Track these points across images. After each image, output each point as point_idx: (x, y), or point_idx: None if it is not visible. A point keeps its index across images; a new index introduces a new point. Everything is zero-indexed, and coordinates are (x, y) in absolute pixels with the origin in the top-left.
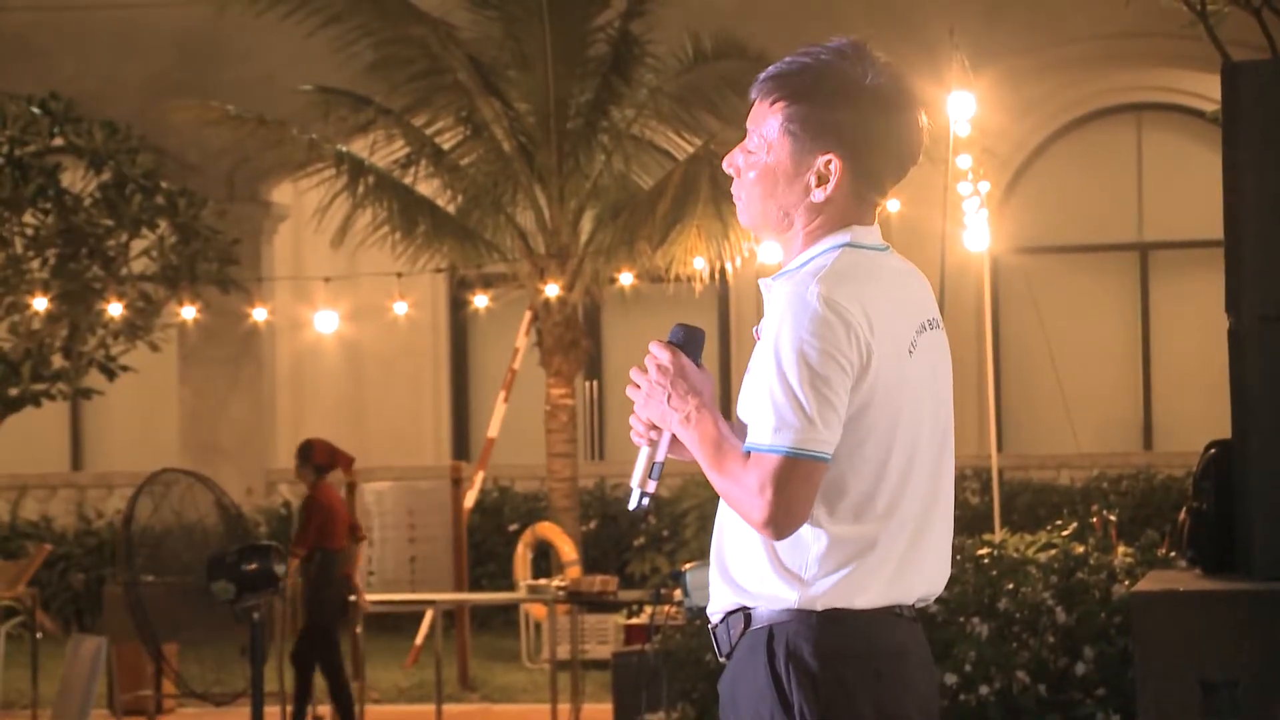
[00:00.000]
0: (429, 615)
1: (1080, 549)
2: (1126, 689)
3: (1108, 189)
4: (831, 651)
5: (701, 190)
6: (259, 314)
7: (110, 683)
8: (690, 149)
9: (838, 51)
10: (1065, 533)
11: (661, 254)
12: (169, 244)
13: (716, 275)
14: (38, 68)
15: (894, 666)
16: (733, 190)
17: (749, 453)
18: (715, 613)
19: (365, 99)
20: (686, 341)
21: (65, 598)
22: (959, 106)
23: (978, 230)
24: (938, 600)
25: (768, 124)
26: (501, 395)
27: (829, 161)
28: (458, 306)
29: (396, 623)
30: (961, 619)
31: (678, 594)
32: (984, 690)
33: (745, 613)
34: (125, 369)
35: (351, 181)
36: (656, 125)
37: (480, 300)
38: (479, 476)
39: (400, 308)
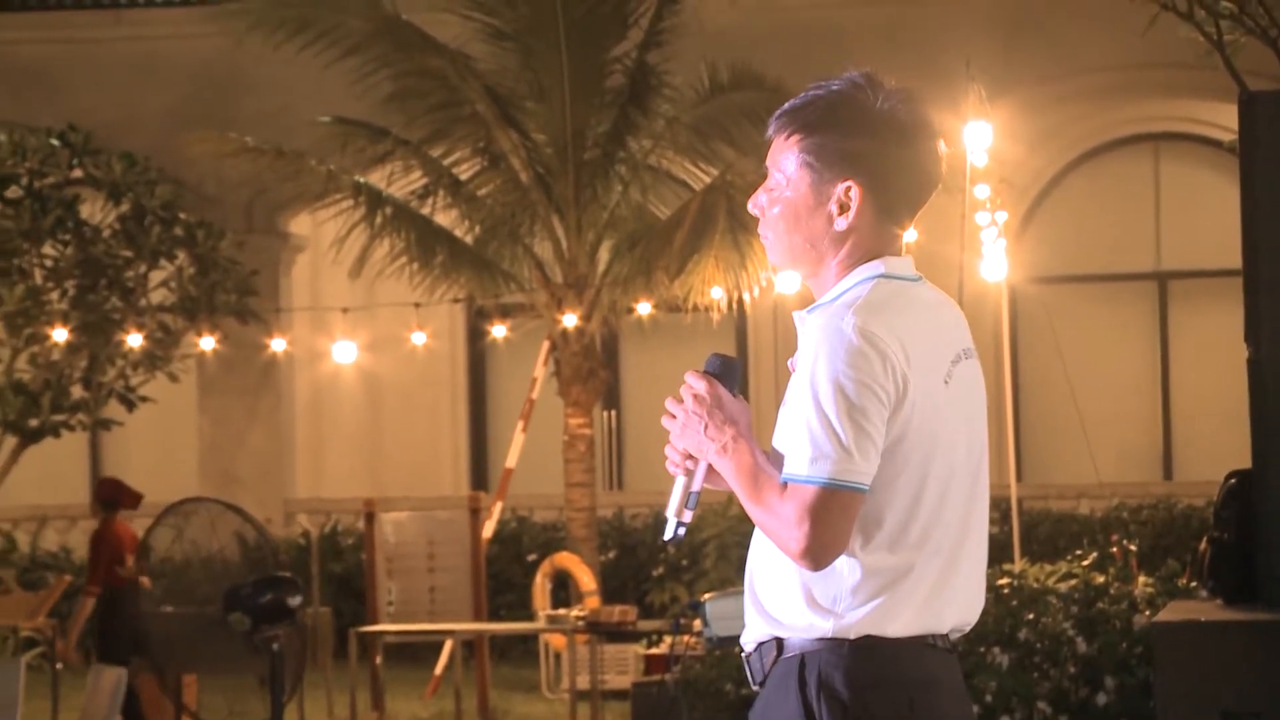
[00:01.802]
0: (448, 645)
1: (1101, 579)
2: (1148, 719)
3: (1126, 218)
4: (863, 681)
5: (719, 220)
6: (277, 345)
7: (128, 714)
8: (707, 179)
9: (851, 82)
10: (1085, 563)
11: (679, 284)
12: (188, 275)
13: (734, 305)
14: (57, 99)
15: (926, 696)
16: (760, 231)
17: (786, 483)
18: (749, 642)
19: (383, 130)
20: (723, 371)
21: (85, 629)
22: (976, 137)
23: (995, 260)
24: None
25: (786, 159)
26: (520, 425)
27: (848, 189)
28: (476, 336)
29: (416, 653)
30: (982, 649)
31: (697, 624)
32: None
33: (778, 641)
34: (144, 400)
35: (369, 212)
36: (673, 156)
37: (498, 330)
38: (497, 506)
39: (418, 338)
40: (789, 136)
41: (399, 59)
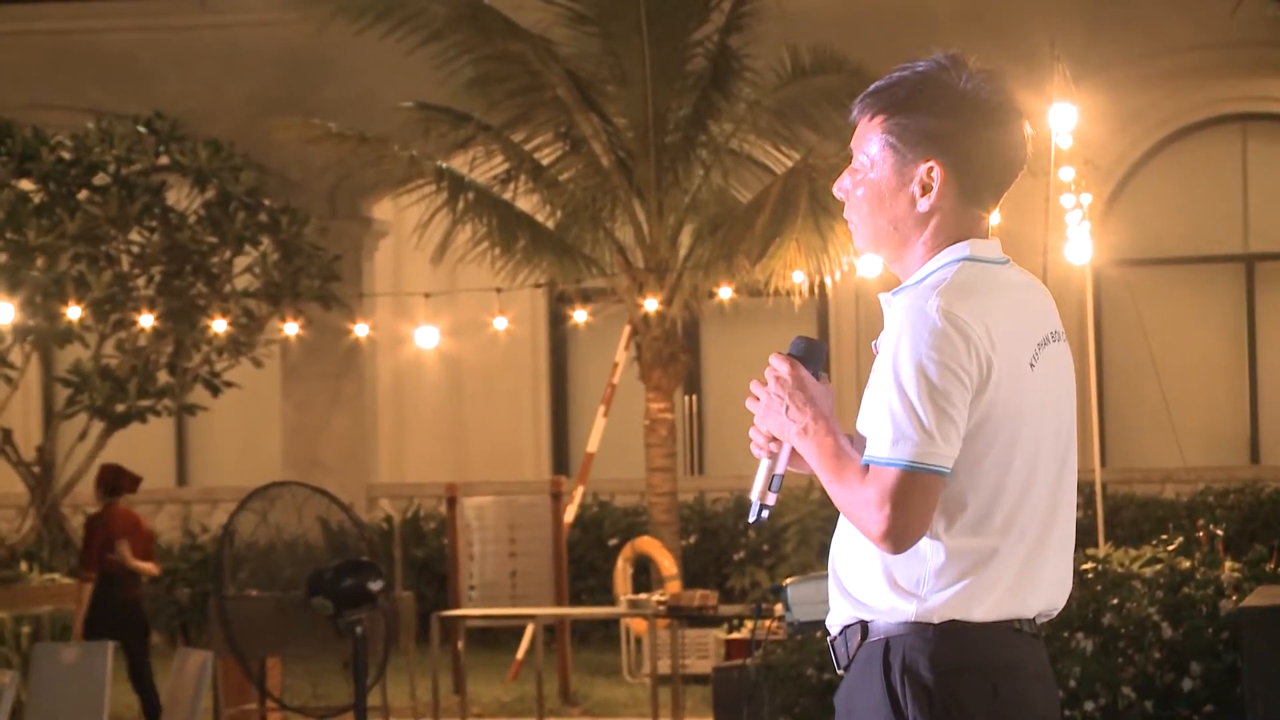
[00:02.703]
0: (530, 630)
1: (1186, 564)
2: (1235, 705)
3: (1212, 200)
4: (948, 665)
5: (800, 204)
6: (360, 330)
7: (215, 697)
8: (789, 163)
9: (936, 63)
10: (1171, 547)
11: (760, 268)
12: (272, 261)
13: (816, 289)
14: (143, 87)
15: (1011, 681)
16: (845, 215)
17: (868, 465)
18: (834, 625)
19: (465, 115)
20: (807, 354)
21: (171, 612)
22: (1060, 118)
23: (1080, 243)
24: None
25: (869, 140)
26: (601, 410)
27: (931, 169)
28: (557, 321)
29: (497, 637)
30: (1066, 634)
31: (779, 609)
32: (1089, 706)
33: (863, 625)
34: (229, 385)
35: (451, 198)
36: (755, 139)
37: (579, 315)
38: (579, 491)
39: (500, 323)
40: (872, 118)
41: (481, 44)
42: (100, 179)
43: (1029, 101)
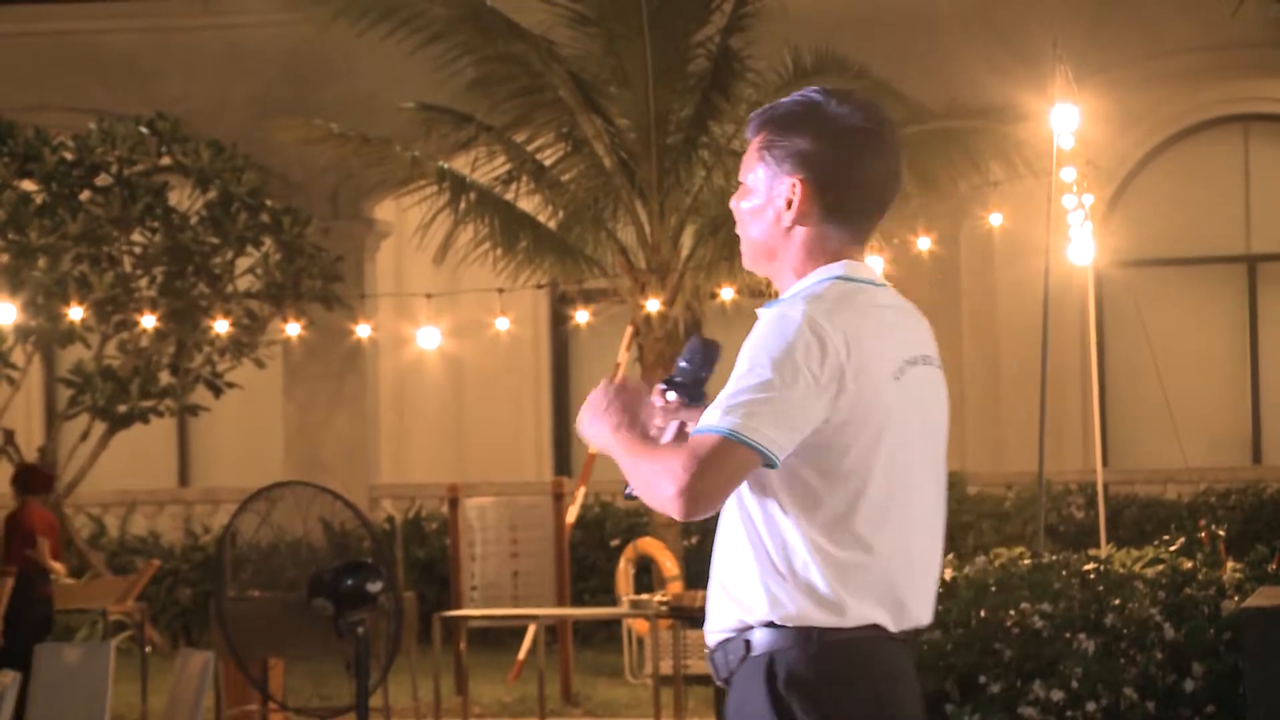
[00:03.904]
0: (531, 630)
1: (1188, 564)
2: (1237, 706)
3: (1214, 201)
4: (831, 676)
5: None
6: (362, 330)
7: (217, 697)
8: None
9: (819, 91)
10: (1173, 548)
11: None
12: (274, 261)
13: None
14: (145, 88)
15: (892, 690)
16: (737, 233)
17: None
18: (714, 634)
19: (467, 116)
20: (702, 355)
21: (173, 612)
22: (1062, 119)
23: (1082, 243)
24: (1043, 615)
25: (750, 159)
26: None
27: (794, 185)
28: (559, 322)
29: (499, 637)
30: (1067, 635)
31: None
32: (1091, 707)
33: (745, 639)
34: (231, 385)
35: (453, 198)
36: None
37: (581, 316)
38: (580, 492)
39: (502, 324)
40: (754, 137)
41: (482, 45)
42: (102, 180)
43: (1030, 102)
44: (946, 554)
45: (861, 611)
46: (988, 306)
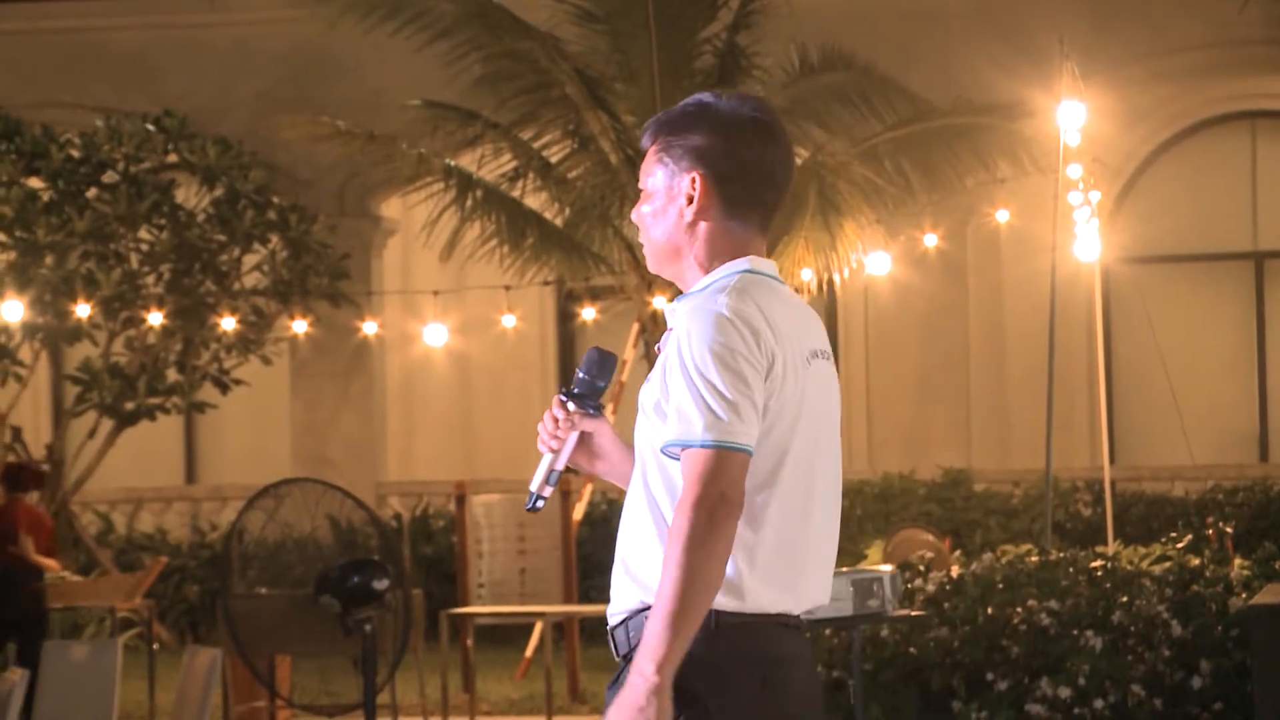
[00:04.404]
0: (539, 627)
1: (1195, 561)
2: (1244, 703)
3: (1221, 198)
4: (722, 656)
5: (809, 202)
6: (369, 328)
7: (225, 694)
8: (797, 161)
9: (710, 93)
10: (1180, 545)
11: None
12: (280, 259)
13: (824, 286)
14: (151, 85)
15: (780, 673)
16: (640, 240)
17: (681, 450)
18: (616, 614)
19: (473, 113)
20: (598, 366)
21: (180, 609)
22: (1069, 116)
23: (1089, 240)
24: (1051, 612)
25: (648, 164)
26: (610, 407)
27: (693, 180)
28: (566, 319)
29: (507, 635)
30: (1075, 632)
31: None
32: (1099, 704)
33: (645, 618)
34: (238, 382)
35: (460, 195)
36: None
37: (588, 313)
38: (588, 489)
39: (509, 321)
40: (650, 143)
41: (489, 42)
42: (109, 177)
43: (1037, 99)
44: (953, 551)
45: (761, 595)
46: (994, 303)
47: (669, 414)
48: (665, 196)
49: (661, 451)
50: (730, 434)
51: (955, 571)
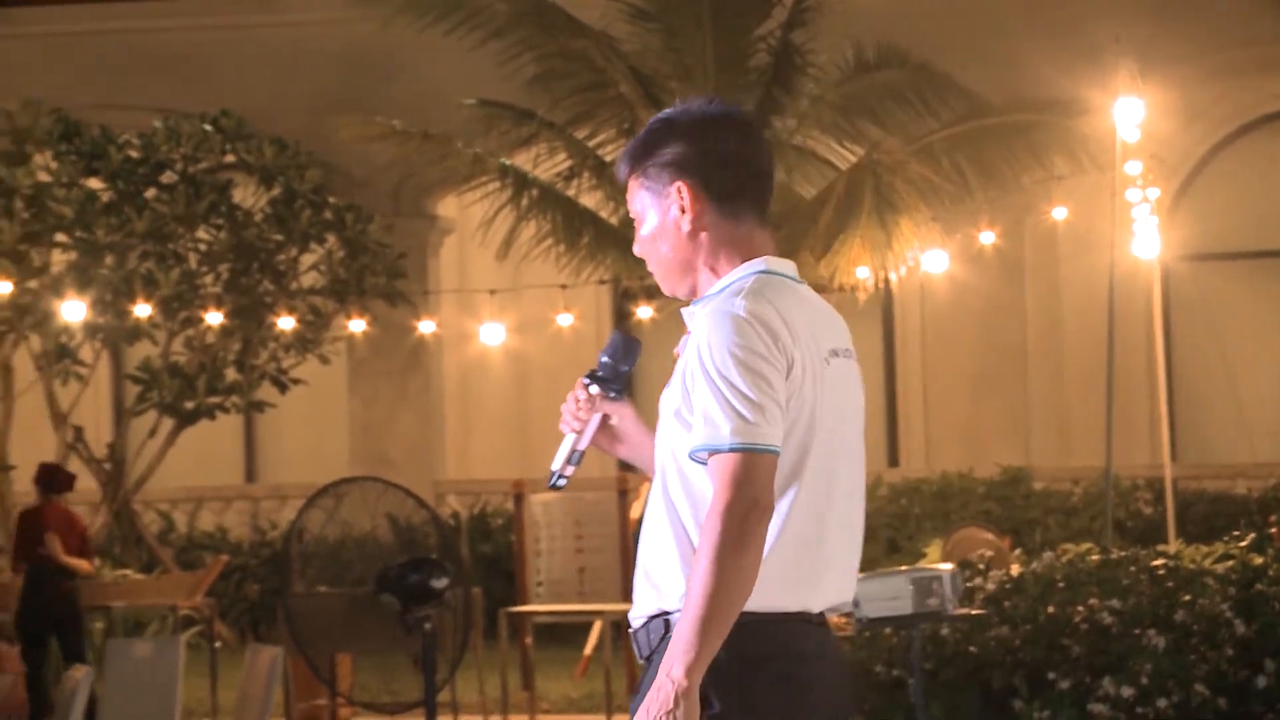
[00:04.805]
0: (597, 626)
1: (1259, 560)
2: None
3: None
4: (742, 655)
5: (865, 200)
6: (426, 327)
7: (287, 692)
8: (853, 158)
9: (667, 110)
10: (1243, 543)
11: (825, 264)
12: (337, 258)
13: (880, 285)
14: (209, 86)
15: (803, 670)
16: (650, 270)
17: (710, 455)
18: (637, 617)
19: (528, 112)
20: (622, 351)
21: (241, 608)
22: (1126, 112)
23: (1147, 238)
24: (1112, 611)
25: (633, 194)
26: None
27: (679, 189)
28: (622, 318)
29: (565, 634)
30: (1137, 631)
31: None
32: (1162, 703)
33: (665, 619)
34: (296, 382)
35: (515, 194)
36: (818, 135)
37: (644, 311)
38: (645, 487)
39: (565, 319)
40: (628, 176)
41: (543, 41)
42: (167, 177)
43: (1094, 96)
44: (1013, 549)
45: (780, 593)
46: (1052, 301)
47: (694, 420)
48: (659, 217)
49: (689, 457)
50: (757, 435)
51: (1015, 570)
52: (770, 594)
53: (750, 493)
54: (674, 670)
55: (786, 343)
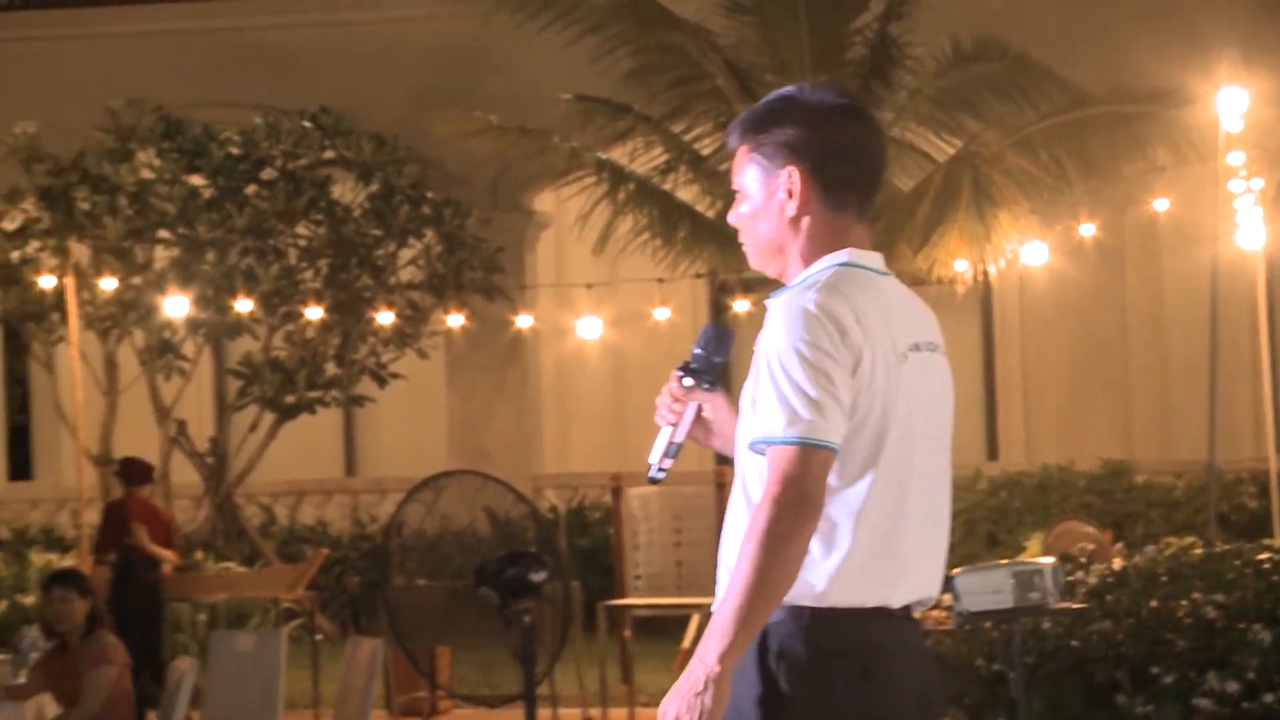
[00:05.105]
0: (695, 619)
1: None
2: None
3: None
4: (821, 649)
5: (963, 192)
6: (523, 321)
7: (387, 684)
8: (950, 151)
9: (792, 86)
10: None
11: (922, 256)
12: (435, 253)
13: (979, 278)
14: (308, 83)
15: (883, 665)
16: (741, 241)
17: (765, 447)
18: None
19: (624, 106)
20: (715, 342)
21: (342, 600)
22: (1230, 102)
23: (1251, 228)
24: (1216, 606)
25: (741, 166)
26: None
27: (790, 174)
28: (719, 311)
29: (664, 626)
30: (1242, 625)
31: (947, 598)
32: (1269, 698)
33: None
34: (395, 376)
35: (612, 189)
36: (916, 127)
37: (741, 305)
38: None
39: (661, 313)
40: (740, 146)
41: (639, 35)
42: (268, 174)
43: (1197, 85)
44: (1115, 543)
45: (857, 589)
46: (1154, 293)
47: (756, 412)
48: (764, 195)
49: (749, 449)
50: (813, 431)
51: (1118, 564)
52: (849, 588)
53: (800, 487)
54: (707, 656)
55: (855, 338)
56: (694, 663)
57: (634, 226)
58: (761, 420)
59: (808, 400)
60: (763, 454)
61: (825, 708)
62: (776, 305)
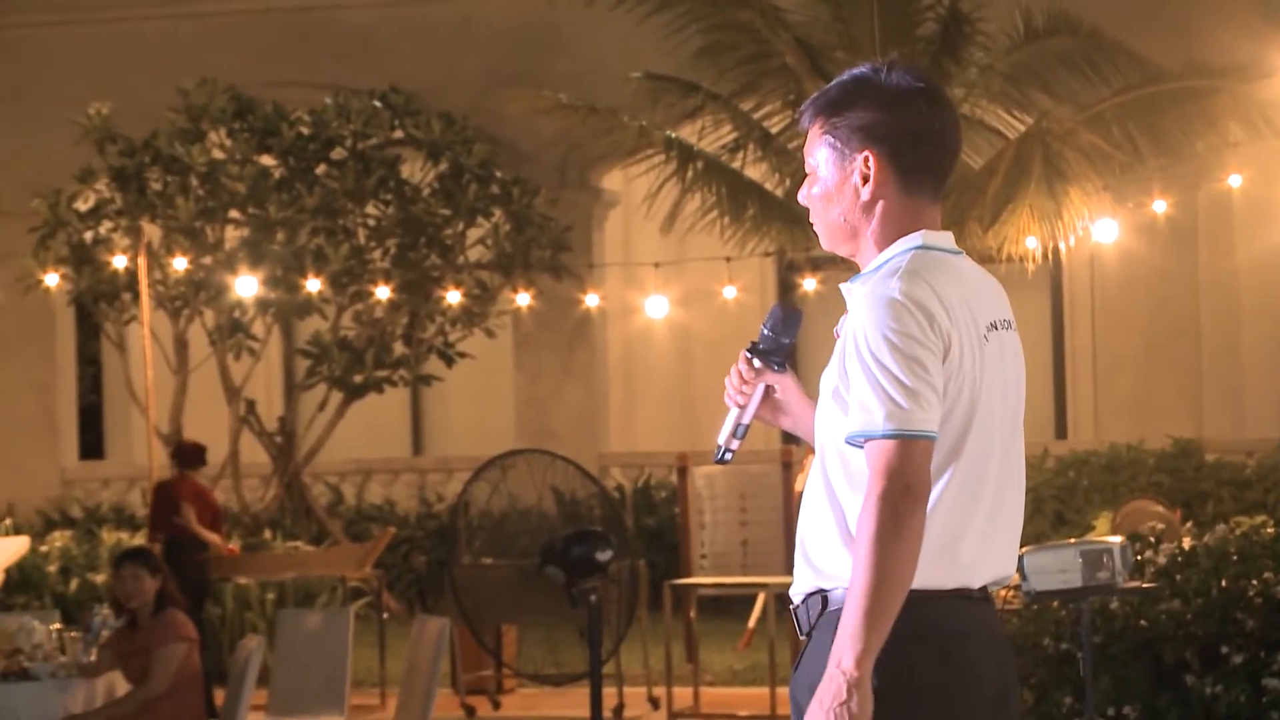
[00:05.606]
0: (761, 598)
1: None
2: None
3: None
4: (899, 632)
5: (1034, 169)
6: (591, 300)
7: (453, 662)
8: (1021, 127)
9: (866, 67)
10: None
11: (993, 234)
12: (503, 232)
13: (1049, 255)
14: (378, 63)
15: (959, 647)
16: (810, 220)
17: (864, 441)
18: (796, 594)
19: (693, 85)
20: (783, 323)
21: (409, 579)
22: None
23: None
24: None
25: (814, 145)
26: None
27: (866, 158)
28: (786, 290)
29: (729, 606)
30: None
31: (1015, 578)
32: None
33: (823, 595)
34: (463, 355)
35: (680, 167)
36: (987, 104)
37: (809, 283)
38: (809, 460)
39: (729, 292)
40: (813, 125)
41: (709, 13)
42: (338, 153)
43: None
44: (1184, 522)
45: (937, 571)
46: (1227, 270)
47: (850, 405)
48: (838, 177)
49: (846, 442)
50: (912, 421)
51: (1187, 543)
52: (929, 572)
53: (903, 480)
54: (844, 661)
55: (943, 324)
56: (831, 670)
57: (702, 205)
58: (858, 414)
59: (904, 389)
60: (859, 446)
61: (905, 690)
62: (859, 295)
